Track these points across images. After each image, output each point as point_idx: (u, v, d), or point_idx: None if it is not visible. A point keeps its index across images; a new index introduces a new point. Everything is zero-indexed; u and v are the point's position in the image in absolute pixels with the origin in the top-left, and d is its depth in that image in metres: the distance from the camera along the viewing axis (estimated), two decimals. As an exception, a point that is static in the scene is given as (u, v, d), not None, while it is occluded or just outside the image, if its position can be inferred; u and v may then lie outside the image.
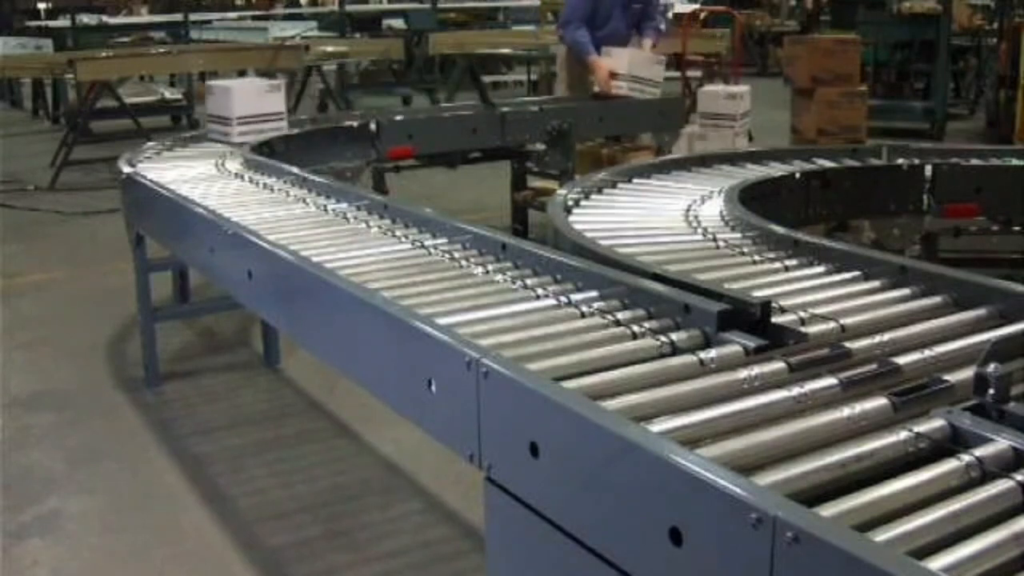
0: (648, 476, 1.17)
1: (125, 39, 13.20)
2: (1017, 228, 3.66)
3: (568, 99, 5.77)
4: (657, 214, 2.68)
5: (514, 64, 14.07)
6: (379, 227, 2.56)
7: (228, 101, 4.10)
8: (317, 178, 3.10)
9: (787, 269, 2.13)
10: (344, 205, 2.82)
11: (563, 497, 1.32)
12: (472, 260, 2.20)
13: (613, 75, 5.42)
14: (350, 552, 2.75)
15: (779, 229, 2.34)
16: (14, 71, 10.40)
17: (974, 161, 3.61)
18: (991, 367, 1.29)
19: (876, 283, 1.99)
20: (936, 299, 1.88)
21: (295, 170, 3.22)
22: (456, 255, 2.24)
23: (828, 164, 3.49)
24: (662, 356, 1.59)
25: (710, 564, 1.10)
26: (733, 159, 3.52)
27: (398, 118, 4.80)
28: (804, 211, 3.31)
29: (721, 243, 2.33)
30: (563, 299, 1.86)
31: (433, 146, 4.89)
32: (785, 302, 1.81)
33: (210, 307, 4.44)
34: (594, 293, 1.88)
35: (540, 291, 1.92)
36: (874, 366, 1.50)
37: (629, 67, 5.41)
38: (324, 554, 2.74)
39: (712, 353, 1.57)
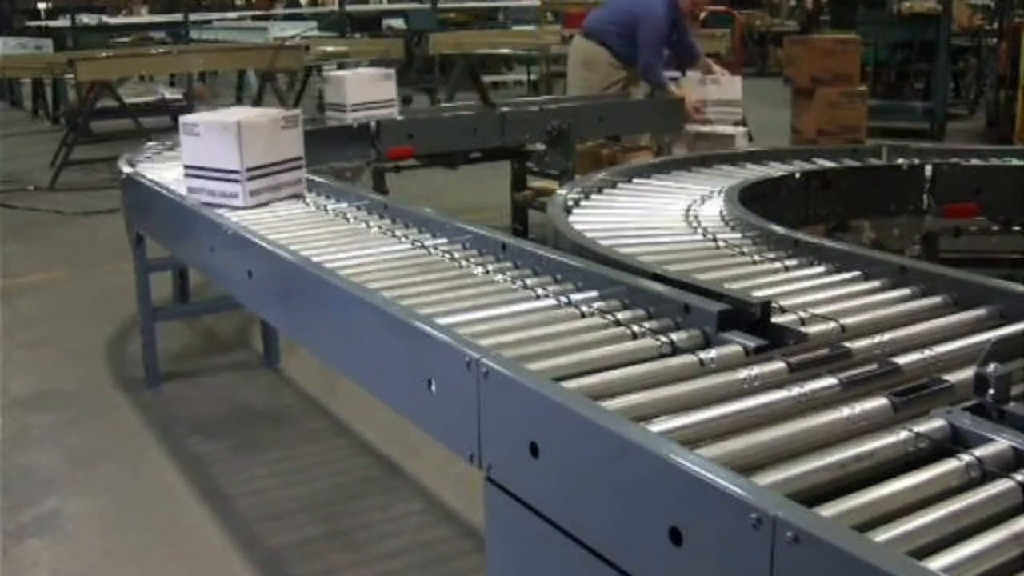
0: (648, 476, 1.17)
1: (125, 39, 13.20)
2: (1017, 228, 3.65)
3: (568, 99, 5.77)
4: (657, 214, 2.68)
5: (514, 64, 14.08)
6: (379, 227, 2.56)
7: (343, 88, 4.51)
8: (317, 178, 3.10)
9: (787, 269, 2.13)
10: (344, 205, 2.83)
11: (563, 497, 1.32)
12: (472, 260, 2.20)
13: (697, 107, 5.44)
14: (350, 552, 2.75)
15: (779, 229, 2.34)
16: (14, 71, 10.39)
17: (974, 161, 3.60)
18: (991, 367, 1.29)
19: (876, 283, 1.99)
20: (936, 299, 1.88)
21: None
22: (456, 255, 2.24)
23: (828, 164, 3.49)
24: (662, 356, 1.59)
25: (710, 564, 1.10)
26: (733, 159, 3.52)
27: (398, 118, 4.80)
28: (804, 211, 3.30)
29: (721, 243, 2.33)
30: (563, 299, 1.85)
31: (433, 146, 4.89)
32: (785, 302, 1.81)
33: (210, 307, 4.45)
34: (594, 293, 1.88)
35: (540, 291, 1.92)
36: (874, 366, 1.50)
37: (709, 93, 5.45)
38: (324, 554, 2.74)
39: (712, 353, 1.57)
